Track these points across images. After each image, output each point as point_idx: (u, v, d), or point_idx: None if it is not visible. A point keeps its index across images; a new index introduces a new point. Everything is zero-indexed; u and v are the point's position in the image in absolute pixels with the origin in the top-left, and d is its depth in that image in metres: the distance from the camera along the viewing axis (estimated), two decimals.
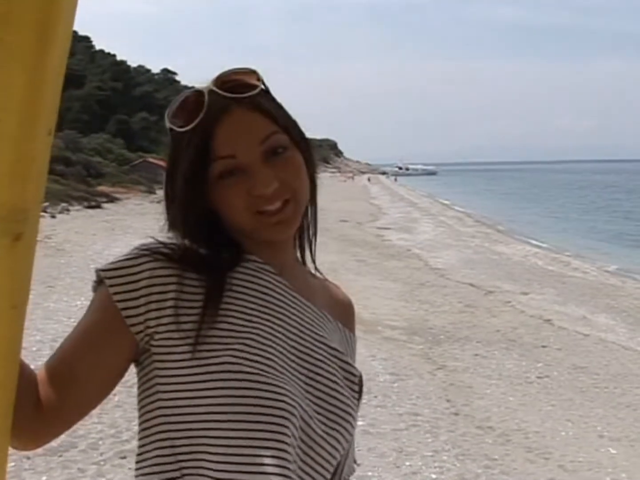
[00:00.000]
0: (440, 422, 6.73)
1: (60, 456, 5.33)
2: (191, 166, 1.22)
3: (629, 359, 9.63)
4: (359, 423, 6.48)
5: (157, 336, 1.19)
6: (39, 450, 5.24)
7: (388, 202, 49.08)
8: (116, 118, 73.86)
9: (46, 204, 25.00)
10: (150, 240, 1.26)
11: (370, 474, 5.38)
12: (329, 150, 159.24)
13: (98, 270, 1.23)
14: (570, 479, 5.72)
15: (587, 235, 30.56)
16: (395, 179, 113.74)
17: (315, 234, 1.42)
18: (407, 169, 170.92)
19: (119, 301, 1.19)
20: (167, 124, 1.25)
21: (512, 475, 5.67)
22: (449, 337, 10.19)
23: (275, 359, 1.20)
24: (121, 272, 1.21)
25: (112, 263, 1.23)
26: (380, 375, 7.90)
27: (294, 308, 1.29)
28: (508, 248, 23.35)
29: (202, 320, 1.18)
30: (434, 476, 5.53)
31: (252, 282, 1.27)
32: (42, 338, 8.04)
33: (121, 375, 1.24)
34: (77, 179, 36.32)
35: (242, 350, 1.17)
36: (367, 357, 8.30)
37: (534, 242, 26.42)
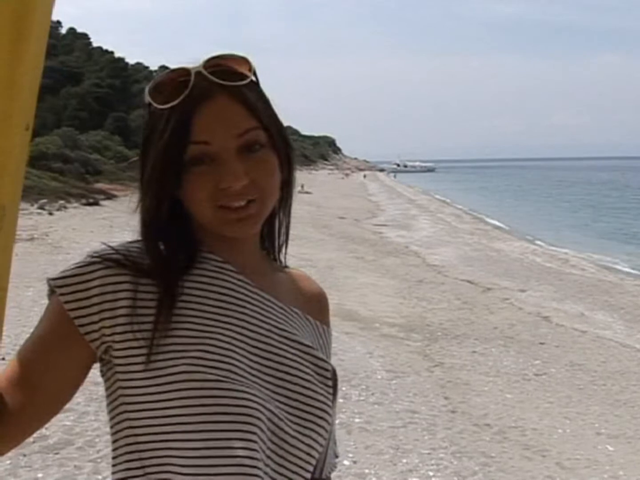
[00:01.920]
0: (438, 420, 6.73)
1: (57, 453, 5.31)
2: (166, 146, 1.17)
3: (626, 356, 9.63)
4: (356, 420, 6.47)
5: (115, 346, 1.16)
6: (35, 447, 5.24)
7: (386, 199, 49.06)
8: (114, 115, 73.72)
9: (44, 201, 24.99)
10: (102, 246, 1.23)
11: (367, 471, 5.37)
12: (327, 147, 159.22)
13: (49, 280, 1.20)
14: (567, 476, 5.72)
15: (585, 232, 30.59)
16: (395, 176, 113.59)
17: (287, 237, 1.38)
18: (405, 166, 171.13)
19: (71, 310, 1.17)
20: (147, 98, 1.21)
21: (509, 473, 5.67)
22: (446, 334, 10.19)
23: (238, 362, 1.17)
24: (72, 280, 1.18)
25: (63, 272, 1.20)
26: (378, 372, 7.89)
27: (256, 306, 1.25)
28: (506, 245, 23.36)
29: (155, 328, 1.15)
30: (430, 473, 5.52)
31: (210, 284, 1.23)
32: None
33: (79, 383, 1.21)
34: (75, 176, 36.25)
35: (200, 357, 1.14)
36: (364, 354, 8.29)
37: (532, 239, 26.43)
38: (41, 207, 23.99)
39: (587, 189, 74.13)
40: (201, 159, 1.18)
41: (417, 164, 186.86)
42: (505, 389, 7.83)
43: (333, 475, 1.45)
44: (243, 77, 1.21)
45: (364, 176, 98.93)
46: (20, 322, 7.93)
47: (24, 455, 5.09)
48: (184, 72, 1.19)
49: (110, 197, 34.00)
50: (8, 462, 4.93)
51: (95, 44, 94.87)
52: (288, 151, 1.28)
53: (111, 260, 1.19)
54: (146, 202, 1.23)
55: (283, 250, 1.39)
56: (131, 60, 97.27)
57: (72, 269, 1.20)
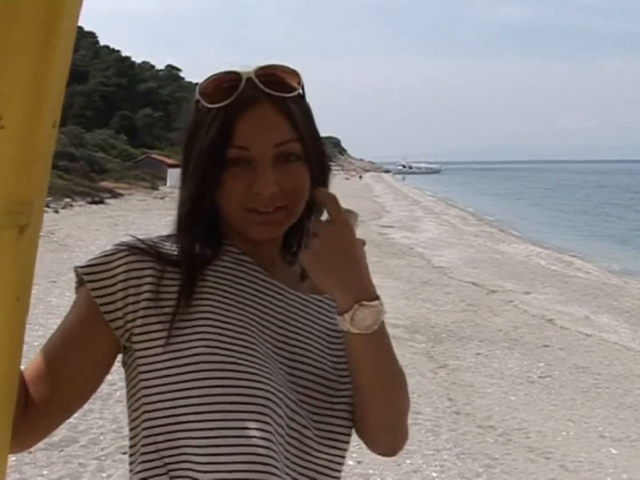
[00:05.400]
0: (442, 421, 6.73)
1: (62, 451, 5.33)
2: (210, 145, 1.21)
3: (630, 359, 9.62)
4: None
5: (136, 331, 1.20)
6: (40, 445, 5.24)
7: (391, 201, 49.02)
8: (120, 114, 73.84)
9: (49, 199, 25.04)
10: (129, 237, 1.27)
11: (371, 471, 5.38)
12: (332, 148, 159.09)
13: (76, 267, 1.23)
14: (571, 478, 5.72)
15: (590, 236, 30.54)
16: (404, 178, 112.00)
17: None
18: (411, 168, 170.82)
19: (97, 297, 1.20)
20: (196, 96, 1.25)
21: (513, 475, 5.67)
22: (451, 336, 10.19)
23: (255, 347, 1.20)
24: (98, 268, 1.22)
25: (90, 260, 1.24)
26: None
27: (270, 296, 1.29)
28: (511, 247, 23.32)
29: (175, 311, 1.19)
30: (434, 475, 5.52)
31: (229, 273, 1.27)
32: (44, 333, 8.04)
33: (105, 373, 1.24)
34: (81, 175, 36.34)
35: (217, 340, 1.17)
36: None
37: (537, 241, 26.39)
38: (46, 205, 23.95)
39: (594, 192, 74.01)
40: (238, 162, 1.22)
41: (422, 165, 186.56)
42: (510, 391, 7.83)
43: None
44: (291, 89, 1.25)
45: (360, 177, 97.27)
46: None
47: (29, 452, 5.10)
48: (235, 75, 1.23)
49: (115, 195, 34.09)
50: (13, 458, 4.94)
51: (102, 43, 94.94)
52: (323, 168, 1.31)
53: (136, 248, 1.24)
54: (186, 195, 1.27)
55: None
56: (138, 59, 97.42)
57: (99, 257, 1.24)
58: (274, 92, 1.22)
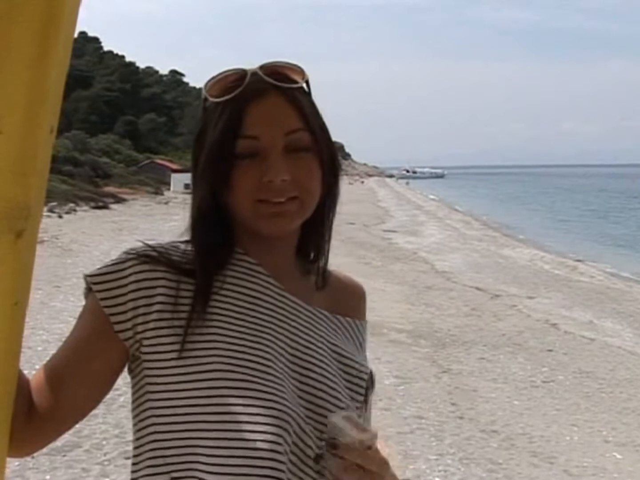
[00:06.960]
0: (445, 426, 6.72)
1: (65, 456, 5.33)
2: (219, 138, 1.20)
3: (634, 363, 9.59)
4: None
5: (145, 342, 1.17)
6: (43, 450, 5.21)
7: (395, 205, 49.00)
8: (124, 119, 74.02)
9: (53, 203, 25.09)
10: (139, 244, 1.25)
11: None
12: None
13: (86, 276, 1.22)
14: None
15: (594, 240, 30.48)
16: (407, 183, 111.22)
17: (328, 245, 1.37)
18: (415, 172, 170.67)
19: (106, 307, 1.19)
20: (203, 93, 1.25)
21: None
22: (454, 341, 10.17)
23: (271, 363, 1.17)
24: (108, 277, 1.20)
25: (99, 268, 1.22)
26: (386, 378, 7.87)
27: (284, 310, 1.26)
28: (514, 252, 23.29)
29: (188, 324, 1.16)
30: None
31: (242, 286, 1.24)
32: (48, 337, 8.05)
33: (112, 382, 1.22)
34: (85, 180, 36.42)
35: (231, 357, 1.15)
36: (372, 360, 8.17)
37: (540, 246, 26.35)
38: (51, 210, 24.08)
39: (596, 196, 73.91)
40: (248, 153, 1.20)
41: (426, 170, 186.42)
42: (513, 396, 7.81)
43: None
44: (296, 82, 1.25)
45: (362, 182, 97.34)
46: (29, 325, 7.95)
47: (32, 457, 5.10)
48: (241, 71, 1.24)
49: (119, 200, 34.14)
50: (16, 463, 4.94)
51: (106, 48, 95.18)
52: (333, 160, 1.30)
53: (147, 257, 1.22)
54: (199, 194, 1.25)
55: (323, 265, 1.38)
56: (142, 64, 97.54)
57: (109, 265, 1.22)
58: (279, 83, 1.22)
